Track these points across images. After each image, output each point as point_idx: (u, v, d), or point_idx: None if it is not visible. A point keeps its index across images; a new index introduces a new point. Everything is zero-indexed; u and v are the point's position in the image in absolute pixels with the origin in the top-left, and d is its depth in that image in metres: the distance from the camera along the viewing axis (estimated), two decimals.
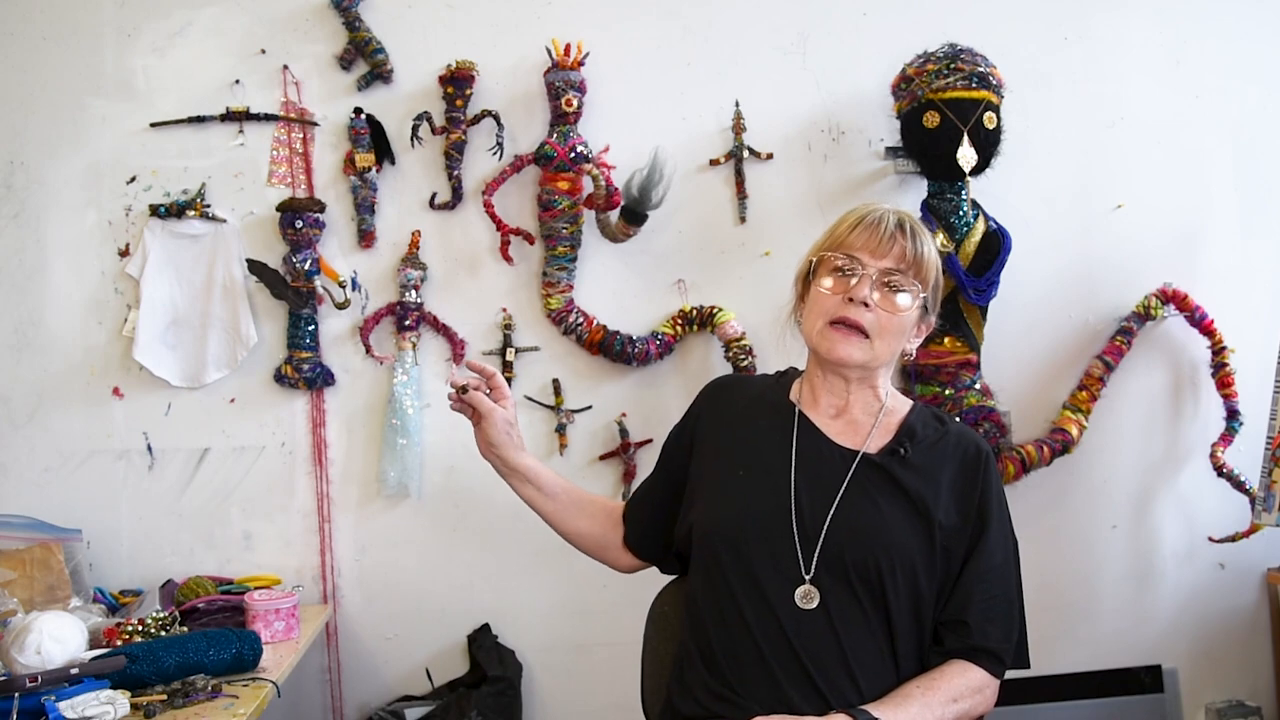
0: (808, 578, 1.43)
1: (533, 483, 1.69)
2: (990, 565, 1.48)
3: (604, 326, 2.26)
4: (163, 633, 1.86)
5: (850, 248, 1.50)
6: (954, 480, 1.50)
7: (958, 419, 1.89)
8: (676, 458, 1.67)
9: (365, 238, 2.25)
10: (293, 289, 2.21)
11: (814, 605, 1.43)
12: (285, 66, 2.26)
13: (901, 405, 1.58)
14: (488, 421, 1.64)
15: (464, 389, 1.62)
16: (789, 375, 1.67)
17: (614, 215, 2.20)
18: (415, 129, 2.25)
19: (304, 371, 2.22)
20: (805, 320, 1.56)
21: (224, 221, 2.24)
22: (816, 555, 1.44)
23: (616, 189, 2.17)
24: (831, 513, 1.46)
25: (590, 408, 2.30)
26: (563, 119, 2.22)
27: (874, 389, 1.56)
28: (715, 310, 2.27)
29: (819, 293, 1.52)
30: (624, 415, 2.29)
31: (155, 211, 2.22)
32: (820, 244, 1.56)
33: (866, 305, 1.47)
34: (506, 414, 1.66)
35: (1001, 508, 1.53)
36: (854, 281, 1.48)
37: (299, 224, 2.19)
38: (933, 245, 1.53)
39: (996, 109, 2.15)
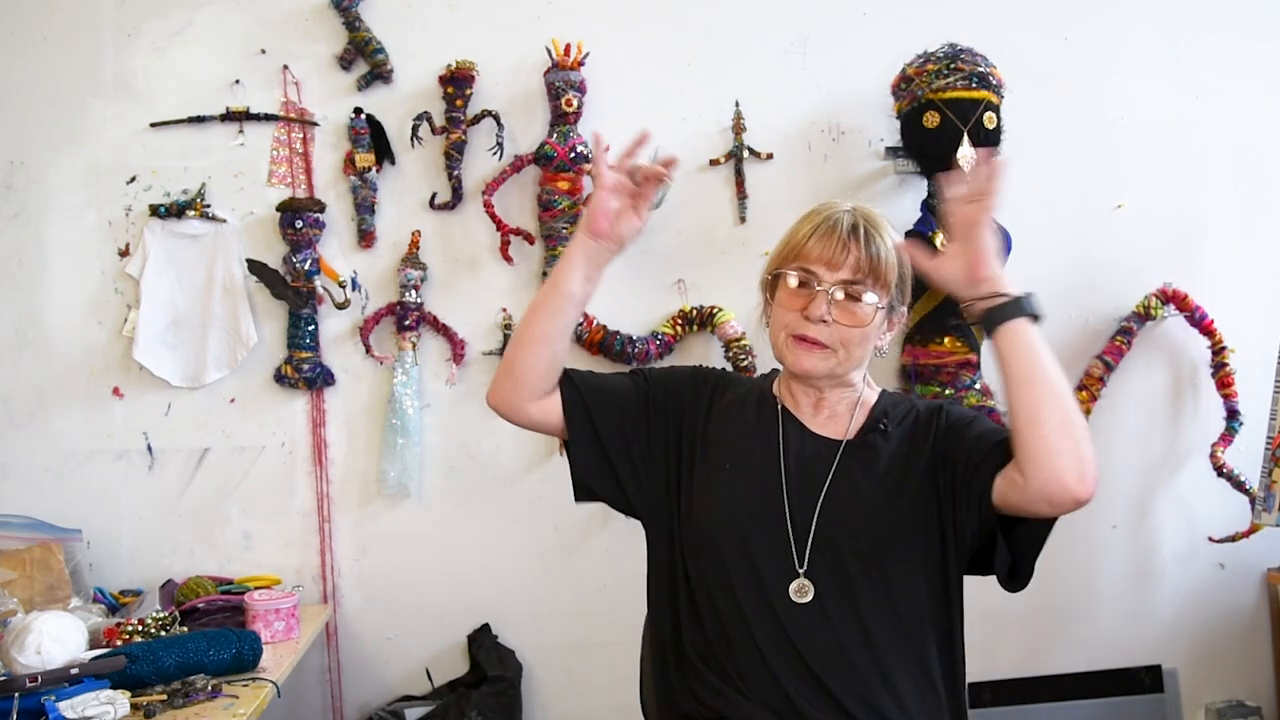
0: (801, 571, 1.44)
1: (592, 284, 1.51)
2: (985, 425, 1.50)
3: (604, 326, 2.26)
4: (163, 633, 1.86)
5: (806, 259, 1.48)
6: (924, 441, 1.49)
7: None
8: (661, 401, 1.57)
9: (365, 238, 2.25)
10: (293, 289, 2.21)
11: (808, 599, 1.43)
12: (285, 66, 2.26)
13: (873, 394, 1.59)
14: (642, 202, 1.47)
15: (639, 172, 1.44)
16: (772, 376, 1.66)
17: None
18: (415, 129, 2.24)
19: (304, 371, 2.22)
20: (770, 329, 1.55)
21: (224, 221, 2.24)
22: (809, 546, 1.44)
23: None
24: (820, 501, 1.46)
25: None
26: (563, 119, 2.22)
27: (849, 386, 1.56)
28: (715, 310, 2.27)
29: (779, 305, 1.51)
30: None
31: (155, 211, 2.22)
32: (778, 252, 1.53)
33: (825, 321, 1.47)
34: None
35: (965, 409, 1.55)
36: (811, 295, 1.47)
37: (299, 224, 2.19)
38: (892, 242, 1.50)
39: (996, 109, 2.15)
